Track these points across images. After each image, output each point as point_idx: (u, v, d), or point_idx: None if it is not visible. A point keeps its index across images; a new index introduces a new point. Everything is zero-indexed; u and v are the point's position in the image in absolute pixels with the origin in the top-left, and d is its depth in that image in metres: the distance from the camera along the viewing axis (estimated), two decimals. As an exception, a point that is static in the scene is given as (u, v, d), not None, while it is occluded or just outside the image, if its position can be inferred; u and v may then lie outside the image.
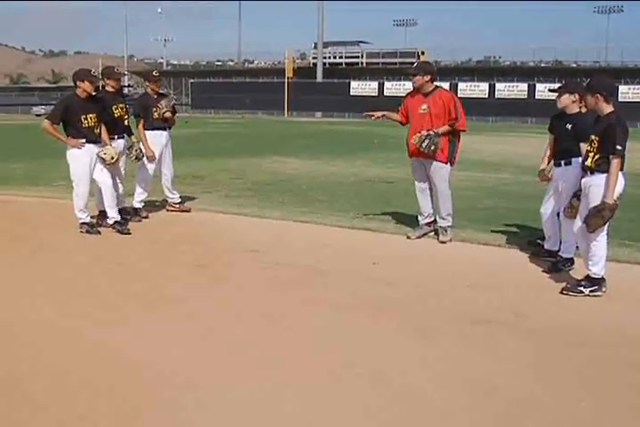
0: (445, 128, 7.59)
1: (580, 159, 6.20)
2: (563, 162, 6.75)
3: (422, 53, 67.62)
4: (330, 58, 75.05)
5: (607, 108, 5.86)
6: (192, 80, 78.64)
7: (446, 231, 7.90)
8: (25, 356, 4.42)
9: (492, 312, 5.43)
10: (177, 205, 9.61)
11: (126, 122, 8.75)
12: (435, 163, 7.70)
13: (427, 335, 4.92)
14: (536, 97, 57.04)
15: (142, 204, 9.24)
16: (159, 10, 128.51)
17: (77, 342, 4.67)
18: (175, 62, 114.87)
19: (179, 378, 4.08)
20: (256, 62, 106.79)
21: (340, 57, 76.11)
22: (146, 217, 9.12)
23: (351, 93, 66.72)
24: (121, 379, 4.07)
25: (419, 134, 7.55)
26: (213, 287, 6.10)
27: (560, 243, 6.82)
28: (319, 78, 70.32)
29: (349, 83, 67.70)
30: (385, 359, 4.44)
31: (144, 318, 5.19)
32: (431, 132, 7.49)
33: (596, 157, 5.83)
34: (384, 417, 3.63)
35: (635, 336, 4.97)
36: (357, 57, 76.11)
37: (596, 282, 5.90)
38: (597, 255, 5.88)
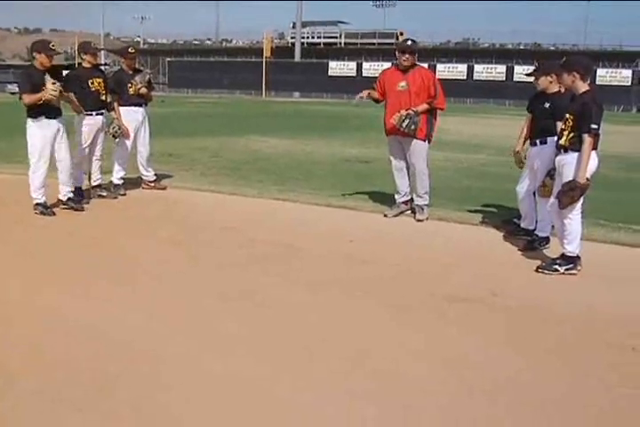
0: (424, 106, 7.55)
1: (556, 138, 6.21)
2: (538, 141, 6.75)
3: (401, 34, 67.33)
4: (308, 38, 74.67)
5: (583, 87, 5.84)
6: (169, 59, 77.97)
7: (423, 210, 7.91)
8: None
9: (468, 290, 5.44)
10: (152, 183, 9.54)
11: (103, 97, 8.63)
12: (413, 141, 7.67)
13: (403, 313, 4.93)
14: (514, 79, 57.21)
15: (122, 181, 9.16)
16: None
17: (52, 319, 4.62)
18: (152, 41, 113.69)
19: (155, 354, 4.06)
20: (234, 42, 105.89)
21: (319, 37, 75.77)
22: (124, 194, 9.04)
23: (329, 74, 66.62)
24: (96, 354, 4.03)
25: (398, 114, 7.50)
26: (189, 264, 6.06)
27: (536, 222, 6.85)
28: (297, 58, 70.00)
29: (328, 63, 67.49)
30: (362, 337, 4.44)
31: (119, 295, 5.13)
32: (411, 112, 7.46)
33: (571, 135, 5.82)
34: (362, 393, 3.62)
35: (609, 314, 5.01)
36: (336, 37, 75.78)
37: (571, 260, 5.93)
38: (572, 234, 5.90)
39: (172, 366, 3.90)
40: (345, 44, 74.68)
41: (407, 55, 7.61)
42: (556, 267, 5.93)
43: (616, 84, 55.56)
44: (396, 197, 8.13)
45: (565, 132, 5.87)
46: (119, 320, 4.63)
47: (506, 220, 7.64)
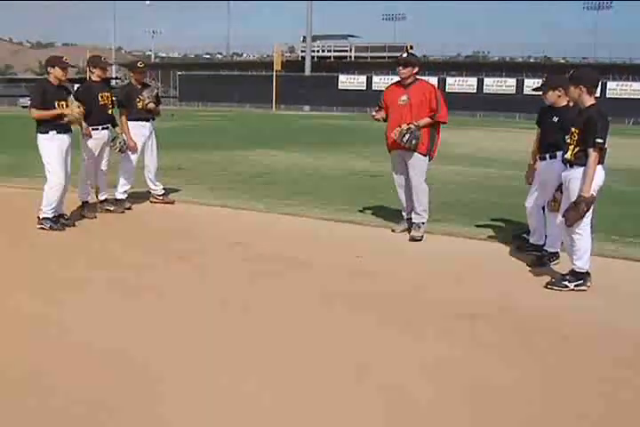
0: (426, 120, 7.48)
1: (564, 152, 6.16)
2: (548, 155, 6.71)
3: (411, 47, 67.18)
4: (318, 51, 74.86)
5: (589, 101, 5.79)
6: (180, 73, 78.30)
7: (419, 227, 7.74)
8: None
9: (476, 306, 5.39)
10: (160, 197, 9.55)
11: (110, 111, 8.65)
12: (414, 155, 7.58)
13: (410, 328, 4.88)
14: (524, 92, 57.05)
15: (126, 195, 9.16)
16: (147, 2, 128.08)
17: (51, 330, 4.60)
18: (163, 55, 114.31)
19: (154, 368, 4.03)
20: (244, 55, 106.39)
21: (329, 50, 75.95)
22: (129, 208, 9.05)
23: (339, 87, 66.62)
24: (95, 367, 4.01)
25: (399, 128, 7.42)
26: (195, 278, 6.04)
27: (545, 237, 6.80)
28: (307, 72, 70.15)
29: (338, 76, 67.56)
30: (368, 352, 4.39)
31: (123, 307, 5.12)
32: (412, 126, 7.38)
33: (576, 149, 5.77)
34: (368, 408, 3.58)
35: (618, 331, 4.95)
36: (346, 51, 75.95)
37: (580, 276, 5.86)
38: (581, 249, 5.84)
39: (171, 379, 3.86)
40: (355, 57, 74.84)
41: (402, 68, 7.55)
42: (566, 283, 5.86)
43: (626, 97, 55.37)
44: (403, 213, 8.07)
45: (571, 147, 5.82)
46: (118, 333, 4.59)
47: (515, 235, 7.58)
